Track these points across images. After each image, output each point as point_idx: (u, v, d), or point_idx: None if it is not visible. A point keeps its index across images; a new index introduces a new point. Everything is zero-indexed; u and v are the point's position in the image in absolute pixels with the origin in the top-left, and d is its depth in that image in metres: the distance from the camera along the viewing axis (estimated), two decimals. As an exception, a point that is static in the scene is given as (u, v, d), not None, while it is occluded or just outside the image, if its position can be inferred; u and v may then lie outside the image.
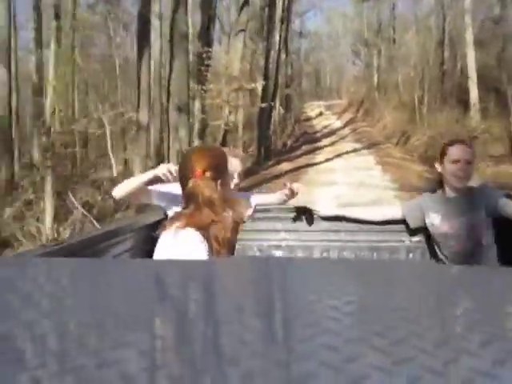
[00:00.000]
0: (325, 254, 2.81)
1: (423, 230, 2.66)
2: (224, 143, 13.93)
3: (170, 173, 2.05)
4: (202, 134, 12.03)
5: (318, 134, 26.13)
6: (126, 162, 13.09)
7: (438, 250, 2.56)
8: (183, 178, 1.78)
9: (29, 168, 13.75)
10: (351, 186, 11.36)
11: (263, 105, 16.42)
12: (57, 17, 6.18)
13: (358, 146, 20.14)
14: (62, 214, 6.96)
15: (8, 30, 12.75)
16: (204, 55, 11.82)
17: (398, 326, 0.57)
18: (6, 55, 12.76)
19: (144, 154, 9.80)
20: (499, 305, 0.70)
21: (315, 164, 15.93)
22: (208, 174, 1.73)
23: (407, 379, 0.44)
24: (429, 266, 1.15)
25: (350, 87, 41.62)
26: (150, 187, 2.24)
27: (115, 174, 8.10)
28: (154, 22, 10.33)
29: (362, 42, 38.29)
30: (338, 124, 30.24)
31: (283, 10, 21.32)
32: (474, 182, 2.60)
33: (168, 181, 2.08)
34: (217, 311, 0.67)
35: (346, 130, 26.86)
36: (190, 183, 1.73)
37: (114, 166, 8.84)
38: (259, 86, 15.45)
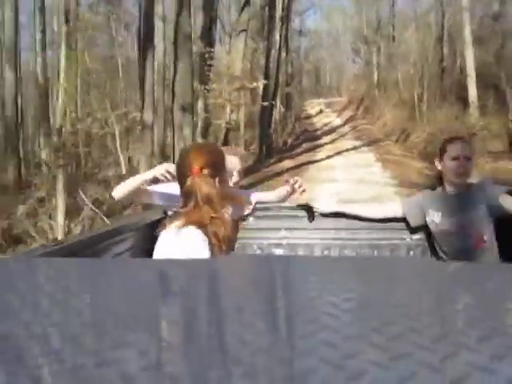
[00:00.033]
0: (326, 252, 2.79)
1: (424, 227, 2.64)
2: (226, 141, 14.15)
3: (169, 173, 2.04)
4: (205, 133, 12.26)
5: (319, 132, 26.15)
6: (129, 160, 13.32)
7: (438, 248, 2.55)
8: (181, 176, 1.78)
9: (35, 167, 14.00)
10: (351, 182, 11.50)
11: (264, 103, 16.58)
12: (67, 21, 6.42)
13: (358, 143, 20.20)
14: (73, 211, 7.23)
15: (15, 33, 13.01)
16: (206, 55, 12.05)
17: (398, 322, 0.57)
18: (13, 57, 13.02)
19: (149, 152, 10.06)
20: (499, 301, 0.70)
21: (316, 161, 16.02)
22: (206, 171, 1.73)
23: (404, 374, 0.44)
24: (429, 263, 1.14)
25: (350, 85, 41.56)
26: (150, 187, 2.24)
27: (124, 172, 8.34)
28: (158, 24, 10.56)
29: (361, 40, 38.32)
30: (338, 122, 30.17)
31: (283, 9, 21.46)
32: (473, 179, 2.61)
33: (168, 180, 2.07)
34: (218, 309, 0.68)
35: (346, 128, 26.86)
36: (188, 181, 1.72)
37: (122, 164, 9.07)
38: (260, 85, 15.63)
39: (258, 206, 2.67)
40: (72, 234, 6.59)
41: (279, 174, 12.99)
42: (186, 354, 0.50)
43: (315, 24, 61.93)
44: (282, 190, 2.60)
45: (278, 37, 20.24)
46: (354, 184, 11.29)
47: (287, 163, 15.68)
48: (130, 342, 0.52)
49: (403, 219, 2.68)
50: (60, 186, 6.59)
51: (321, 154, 17.86)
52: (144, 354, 0.48)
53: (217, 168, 1.77)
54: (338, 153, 17.46)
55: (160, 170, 2.07)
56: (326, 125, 29.02)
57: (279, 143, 21.68)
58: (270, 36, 19.24)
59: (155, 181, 2.13)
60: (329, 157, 16.75)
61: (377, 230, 2.76)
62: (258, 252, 2.82)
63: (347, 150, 18.12)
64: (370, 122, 27.23)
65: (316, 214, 2.81)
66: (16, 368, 0.46)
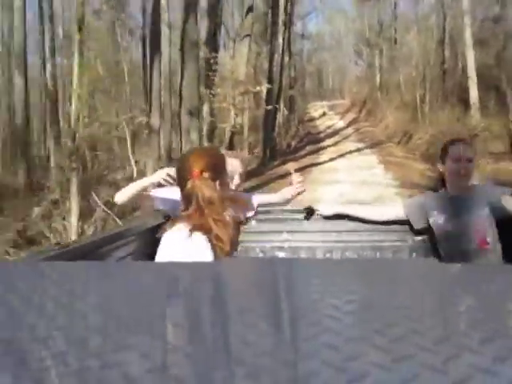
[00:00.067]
0: (328, 255, 2.76)
1: (426, 229, 2.62)
2: (231, 145, 14.41)
3: (170, 176, 2.04)
4: (210, 136, 12.52)
5: (322, 135, 26.19)
6: (136, 163, 13.58)
7: (441, 249, 2.53)
8: (181, 179, 1.78)
9: (45, 170, 14.26)
10: (354, 184, 11.65)
11: (268, 107, 16.77)
12: (79, 29, 6.70)
13: (360, 145, 20.29)
14: (86, 213, 7.51)
15: (24, 40, 13.30)
16: (211, 61, 12.31)
17: (400, 324, 0.57)
18: (22, 62, 13.31)
19: (156, 156, 10.33)
20: (502, 303, 0.70)
21: (319, 164, 16.15)
22: (206, 174, 1.72)
23: (407, 376, 0.44)
24: (431, 264, 1.13)
25: (353, 87, 41.55)
26: (152, 192, 2.24)
27: (135, 175, 8.61)
28: (164, 30, 10.84)
29: (363, 42, 38.40)
30: (341, 124, 30.23)
31: (286, 14, 21.70)
32: (474, 180, 2.64)
33: (170, 184, 2.07)
34: (222, 311, 0.69)
35: (349, 130, 26.93)
36: (189, 184, 1.71)
37: (134, 166, 9.32)
38: (264, 88, 15.85)
39: (260, 209, 2.71)
40: (85, 234, 6.87)
41: (283, 176, 13.17)
42: (190, 356, 0.50)
43: (317, 27, 62.20)
44: (286, 192, 2.63)
45: (281, 40, 20.40)
46: (356, 185, 11.44)
47: (291, 166, 15.76)
48: (134, 344, 0.53)
49: (405, 221, 2.67)
50: (74, 188, 6.87)
51: (324, 156, 17.96)
52: (148, 356, 0.49)
53: (217, 171, 1.77)
54: (341, 155, 17.57)
55: (161, 174, 2.11)
56: (329, 127, 29.03)
57: (283, 146, 21.80)
58: (273, 40, 19.44)
59: (159, 185, 2.16)
60: (332, 159, 16.84)
61: (379, 232, 2.75)
62: (261, 255, 2.80)
63: (350, 152, 18.22)
64: (373, 125, 27.26)
65: (318, 216, 2.80)
66: (20, 371, 0.47)
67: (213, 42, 13.55)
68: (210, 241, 1.65)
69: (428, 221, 2.56)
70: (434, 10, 24.53)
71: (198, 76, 10.65)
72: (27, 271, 0.97)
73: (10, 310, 0.66)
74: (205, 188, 1.69)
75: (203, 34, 12.90)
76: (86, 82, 7.81)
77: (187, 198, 1.73)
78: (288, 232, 2.83)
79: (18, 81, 13.25)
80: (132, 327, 0.58)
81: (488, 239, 2.36)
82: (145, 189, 2.20)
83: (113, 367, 0.46)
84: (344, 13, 46.01)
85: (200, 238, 1.65)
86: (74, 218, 6.86)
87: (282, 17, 20.62)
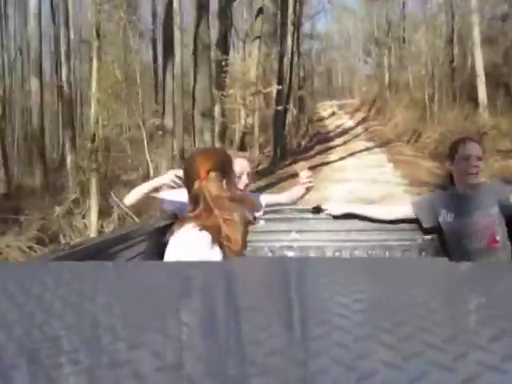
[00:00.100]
0: (337, 254, 2.75)
1: (435, 227, 2.62)
2: (242, 145, 14.65)
3: (178, 177, 2.04)
4: (222, 137, 12.77)
5: (331, 134, 26.21)
6: (148, 164, 13.86)
7: (450, 248, 2.52)
8: (189, 180, 1.78)
9: (58, 171, 14.60)
10: (364, 182, 11.76)
11: (278, 107, 16.92)
12: (98, 35, 6.97)
13: (370, 144, 20.34)
14: (105, 212, 7.80)
15: (39, 45, 13.64)
16: (223, 63, 12.57)
17: (409, 323, 0.58)
18: (37, 67, 13.65)
19: (170, 156, 10.59)
20: (511, 301, 0.70)
21: (329, 163, 16.26)
22: (213, 174, 1.72)
23: (416, 374, 0.44)
24: (441, 263, 1.13)
25: (362, 86, 41.39)
26: (161, 194, 2.26)
27: (152, 174, 8.86)
28: (177, 33, 11.09)
29: (372, 42, 38.49)
30: (350, 123, 30.16)
31: (295, 14, 21.87)
32: (483, 178, 2.64)
33: (179, 186, 2.07)
34: (232, 310, 0.69)
35: (359, 129, 26.90)
36: (196, 184, 1.72)
37: (150, 167, 9.58)
38: (274, 89, 16.05)
39: (268, 208, 2.70)
40: (104, 232, 7.14)
41: (293, 175, 13.28)
42: (201, 355, 0.50)
43: (326, 26, 62.17)
44: (294, 192, 2.65)
45: (290, 41, 20.58)
46: (366, 184, 11.56)
47: (301, 165, 15.89)
48: (145, 342, 0.53)
49: (414, 220, 2.66)
50: (93, 188, 7.14)
51: (334, 155, 18.05)
52: (159, 355, 0.49)
53: (224, 171, 1.77)
54: (351, 154, 17.64)
55: (169, 176, 2.12)
56: (338, 127, 28.97)
57: (293, 145, 21.94)
58: (282, 41, 19.63)
59: (168, 186, 2.17)
60: (342, 158, 16.94)
61: (388, 231, 2.74)
62: (270, 255, 2.79)
63: (360, 151, 18.30)
64: (382, 124, 27.19)
65: (327, 216, 2.80)
66: (34, 369, 0.47)
67: (223, 44, 13.81)
68: (220, 241, 1.67)
69: (437, 219, 2.56)
70: (442, 8, 24.51)
71: (210, 78, 10.90)
72: (38, 271, 0.99)
73: (22, 309, 0.66)
74: (212, 187, 1.70)
75: (214, 36, 13.14)
76: (104, 86, 8.09)
77: (195, 198, 1.73)
78: (297, 231, 2.83)
79: (34, 84, 13.58)
80: (143, 326, 0.59)
81: (497, 237, 2.37)
82: (153, 191, 2.22)
83: (124, 365, 0.46)
84: (352, 12, 46.06)
85: (206, 238, 1.66)
86: (93, 217, 7.13)
87: (290, 17, 20.80)
